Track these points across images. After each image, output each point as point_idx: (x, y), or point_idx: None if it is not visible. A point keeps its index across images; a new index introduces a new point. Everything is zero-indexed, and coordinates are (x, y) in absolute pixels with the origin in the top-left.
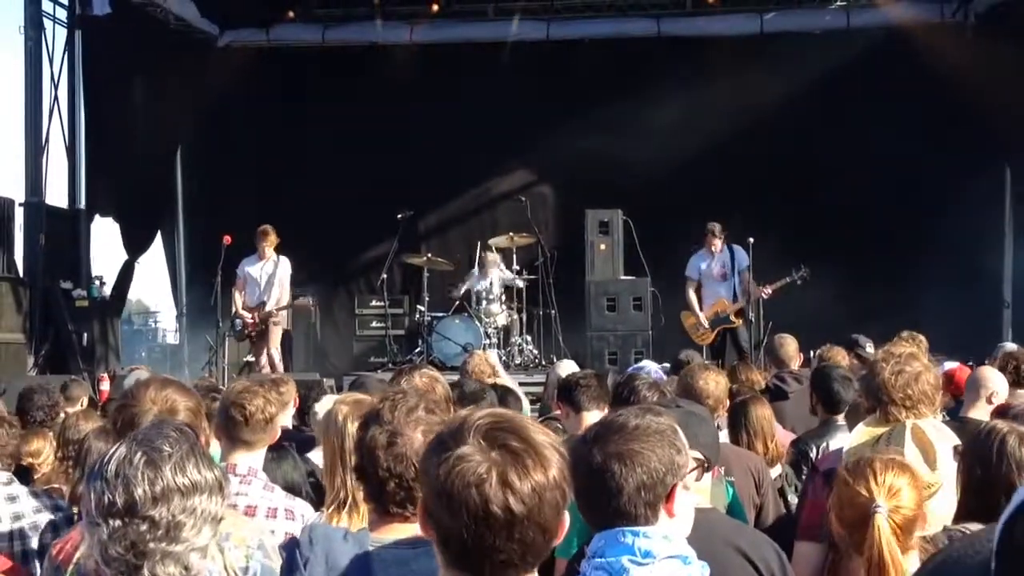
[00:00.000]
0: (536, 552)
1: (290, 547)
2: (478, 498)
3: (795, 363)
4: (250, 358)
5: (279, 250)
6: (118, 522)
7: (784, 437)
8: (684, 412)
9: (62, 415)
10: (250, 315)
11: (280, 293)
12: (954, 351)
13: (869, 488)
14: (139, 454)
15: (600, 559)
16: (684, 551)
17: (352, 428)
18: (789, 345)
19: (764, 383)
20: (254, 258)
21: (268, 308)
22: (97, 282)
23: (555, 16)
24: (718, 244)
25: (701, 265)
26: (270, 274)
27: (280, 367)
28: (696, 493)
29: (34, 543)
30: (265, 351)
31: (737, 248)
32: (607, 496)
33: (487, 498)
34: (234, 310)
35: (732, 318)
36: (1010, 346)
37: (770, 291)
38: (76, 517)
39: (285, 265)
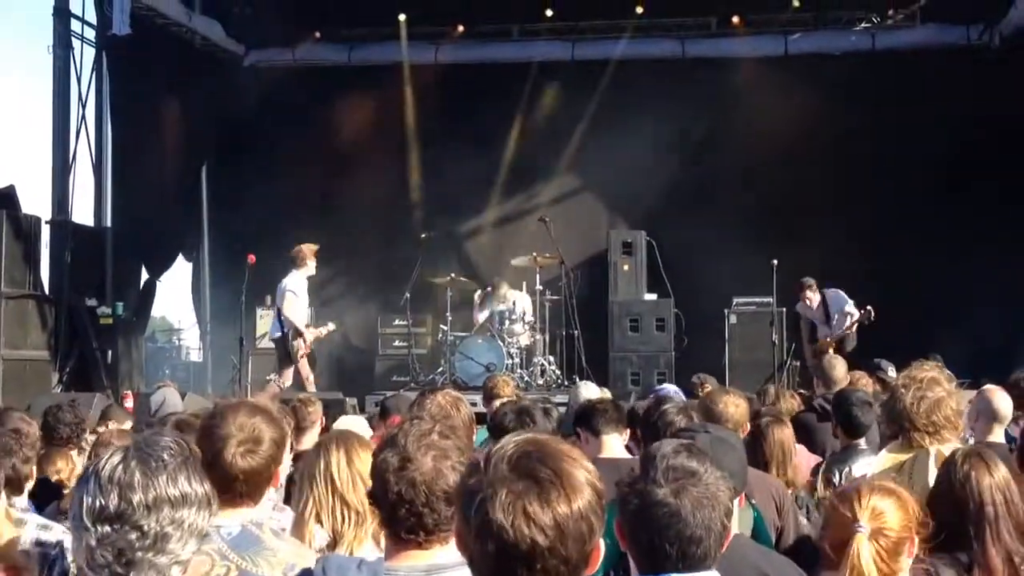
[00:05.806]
0: None
1: None
2: (500, 528)
3: (842, 385)
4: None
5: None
6: (107, 528)
7: (812, 461)
8: (713, 438)
9: (87, 433)
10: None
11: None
12: (979, 371)
13: (853, 509)
14: (135, 462)
15: None
16: None
17: (334, 456)
18: (839, 367)
19: (804, 406)
20: (302, 276)
21: (314, 330)
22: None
23: (580, 37)
24: (809, 296)
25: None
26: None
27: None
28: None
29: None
30: (310, 370)
31: (830, 293)
32: (679, 541)
33: (509, 529)
34: (299, 330)
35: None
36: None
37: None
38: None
39: None
